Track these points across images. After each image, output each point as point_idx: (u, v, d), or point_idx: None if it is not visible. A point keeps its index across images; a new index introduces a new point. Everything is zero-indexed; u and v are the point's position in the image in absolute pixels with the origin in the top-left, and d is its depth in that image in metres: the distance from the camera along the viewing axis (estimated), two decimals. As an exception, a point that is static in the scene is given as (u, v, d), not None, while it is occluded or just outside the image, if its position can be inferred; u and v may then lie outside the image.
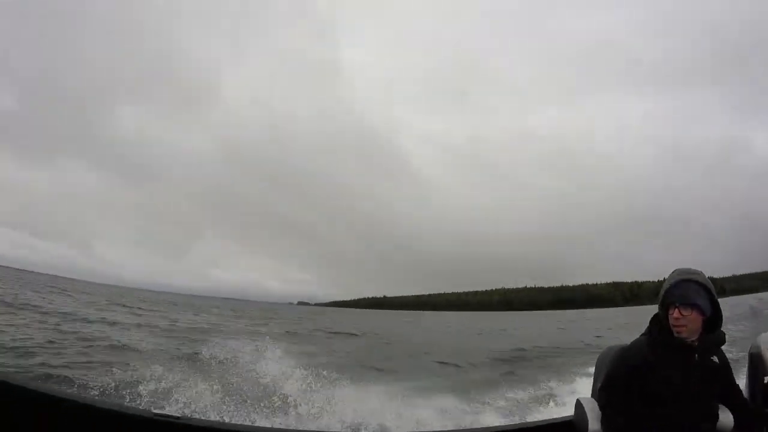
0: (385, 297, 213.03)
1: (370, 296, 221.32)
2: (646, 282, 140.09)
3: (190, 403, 6.04)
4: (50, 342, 10.24)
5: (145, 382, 6.62)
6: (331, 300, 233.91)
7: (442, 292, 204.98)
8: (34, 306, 16.77)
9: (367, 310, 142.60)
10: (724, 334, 2.12)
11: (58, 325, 13.10)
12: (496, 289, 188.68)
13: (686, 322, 2.01)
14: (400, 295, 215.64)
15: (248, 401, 6.53)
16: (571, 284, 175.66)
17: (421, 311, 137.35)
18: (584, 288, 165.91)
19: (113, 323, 15.94)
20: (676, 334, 2.04)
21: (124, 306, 26.97)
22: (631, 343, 2.19)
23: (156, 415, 1.53)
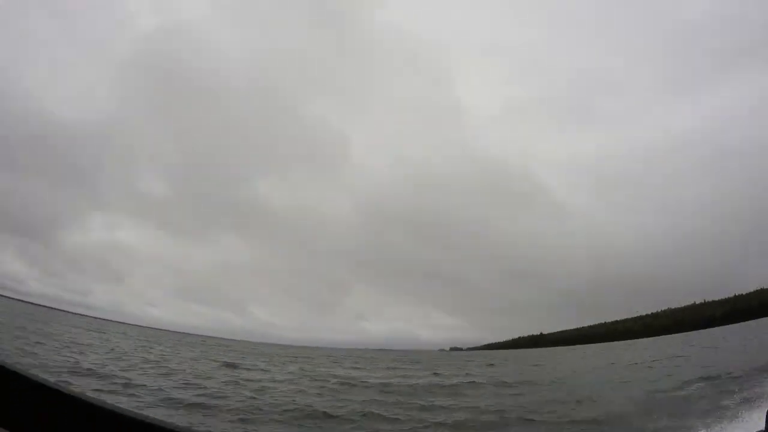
0: (542, 334, 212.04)
1: (527, 335, 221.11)
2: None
3: None
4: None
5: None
6: (483, 343, 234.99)
7: (603, 321, 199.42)
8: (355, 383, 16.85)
9: (531, 349, 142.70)
10: None
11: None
12: (662, 311, 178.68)
13: None
14: (557, 330, 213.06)
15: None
16: (744, 292, 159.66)
17: (598, 343, 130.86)
18: (761, 293, 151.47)
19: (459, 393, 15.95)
20: None
21: (357, 367, 29.15)
22: None
23: None
